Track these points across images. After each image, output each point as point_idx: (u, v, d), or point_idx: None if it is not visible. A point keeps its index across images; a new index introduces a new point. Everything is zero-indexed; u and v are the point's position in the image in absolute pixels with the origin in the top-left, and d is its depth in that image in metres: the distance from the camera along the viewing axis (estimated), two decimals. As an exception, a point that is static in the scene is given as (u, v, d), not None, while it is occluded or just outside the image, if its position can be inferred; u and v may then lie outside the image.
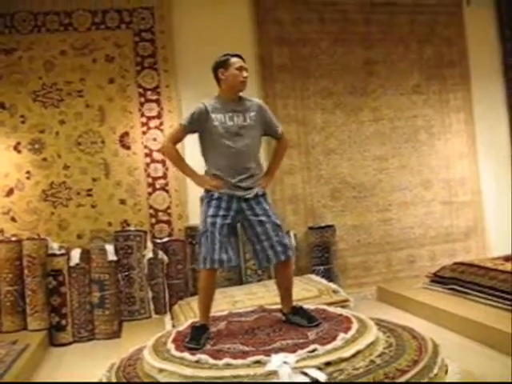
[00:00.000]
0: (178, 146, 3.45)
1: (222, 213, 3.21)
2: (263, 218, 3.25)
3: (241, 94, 3.38)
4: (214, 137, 3.27)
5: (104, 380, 2.98)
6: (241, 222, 3.30)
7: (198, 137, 3.36)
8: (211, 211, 3.22)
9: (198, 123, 3.29)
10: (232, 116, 3.27)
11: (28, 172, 5.11)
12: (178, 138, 3.40)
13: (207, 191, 3.28)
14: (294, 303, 3.41)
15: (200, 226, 3.29)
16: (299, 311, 3.33)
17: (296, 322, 3.27)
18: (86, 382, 3.53)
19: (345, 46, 5.86)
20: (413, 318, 4.45)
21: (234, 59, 3.30)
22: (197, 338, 3.05)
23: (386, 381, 2.51)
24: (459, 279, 4.70)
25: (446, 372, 2.80)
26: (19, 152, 5.11)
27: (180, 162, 3.43)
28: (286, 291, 3.40)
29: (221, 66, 3.32)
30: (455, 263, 5.08)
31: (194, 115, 3.30)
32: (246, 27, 5.58)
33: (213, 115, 3.26)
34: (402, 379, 2.52)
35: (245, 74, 3.30)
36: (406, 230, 5.90)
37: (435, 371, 2.66)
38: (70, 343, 4.74)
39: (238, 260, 3.31)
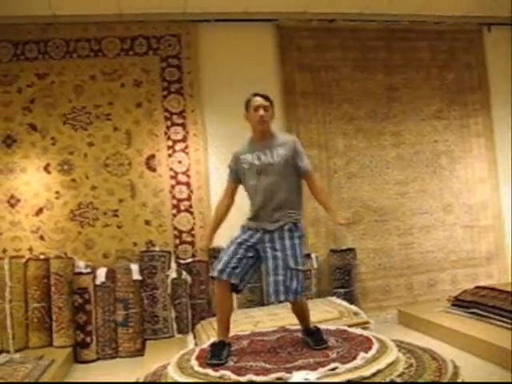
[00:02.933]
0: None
1: (244, 236, 3.32)
2: (278, 254, 3.23)
3: (274, 131, 3.46)
4: (244, 178, 3.42)
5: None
6: (260, 252, 3.31)
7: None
8: (237, 234, 3.37)
9: (235, 171, 3.47)
10: (259, 155, 3.35)
11: (57, 192, 5.26)
12: (227, 190, 3.54)
13: (242, 226, 3.42)
14: (313, 324, 3.47)
15: None
16: (311, 333, 3.38)
17: (305, 342, 3.36)
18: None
19: (366, 71, 5.96)
20: (433, 341, 4.45)
21: (253, 99, 3.38)
22: (217, 353, 3.12)
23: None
24: (480, 303, 4.70)
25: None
26: (49, 173, 5.27)
27: (214, 217, 3.60)
28: (300, 320, 3.48)
29: (245, 108, 3.44)
30: (476, 287, 5.09)
31: (230, 166, 3.50)
32: (270, 53, 5.71)
33: (242, 157, 3.40)
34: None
35: (261, 112, 3.32)
36: (427, 254, 5.92)
37: (455, 392, 2.69)
38: (93, 360, 4.83)
39: (242, 284, 3.27)
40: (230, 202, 3.52)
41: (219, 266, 3.22)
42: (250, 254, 3.29)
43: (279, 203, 3.32)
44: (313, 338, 3.32)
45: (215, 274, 3.23)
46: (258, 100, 3.37)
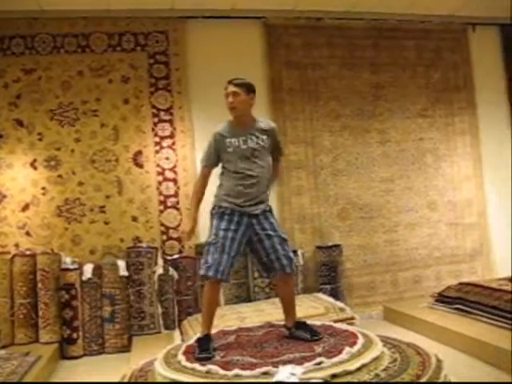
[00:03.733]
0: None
1: (233, 227, 3.32)
2: (271, 232, 3.37)
3: (253, 115, 3.48)
4: (228, 161, 3.40)
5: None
6: (250, 236, 3.38)
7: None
8: (224, 224, 3.32)
9: (215, 153, 3.44)
10: (245, 140, 3.37)
11: (43, 188, 5.25)
12: (205, 173, 3.53)
13: (219, 206, 3.39)
14: (298, 319, 3.50)
15: (209, 237, 3.37)
16: (302, 326, 3.42)
17: (299, 336, 3.35)
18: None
19: (353, 70, 6.01)
20: (418, 336, 4.50)
21: (226, 86, 3.41)
22: (205, 347, 3.14)
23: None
24: (464, 299, 4.77)
25: (449, 387, 2.87)
26: (35, 168, 5.26)
27: (193, 199, 3.57)
28: (288, 305, 3.50)
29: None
30: (460, 283, 5.16)
31: (210, 148, 3.45)
32: (258, 51, 5.74)
33: (227, 140, 3.39)
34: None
35: (230, 99, 3.36)
36: (412, 251, 5.98)
37: (438, 385, 2.74)
38: (80, 356, 4.82)
39: (229, 277, 3.38)
40: (206, 185, 3.53)
41: (216, 266, 3.23)
42: (242, 247, 3.37)
43: (263, 187, 3.41)
44: (307, 331, 3.34)
45: (211, 273, 3.23)
46: (228, 87, 3.39)
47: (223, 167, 3.46)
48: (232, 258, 3.28)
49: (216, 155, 3.45)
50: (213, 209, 3.44)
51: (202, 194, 3.52)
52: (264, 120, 3.57)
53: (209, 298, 3.35)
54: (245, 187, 3.35)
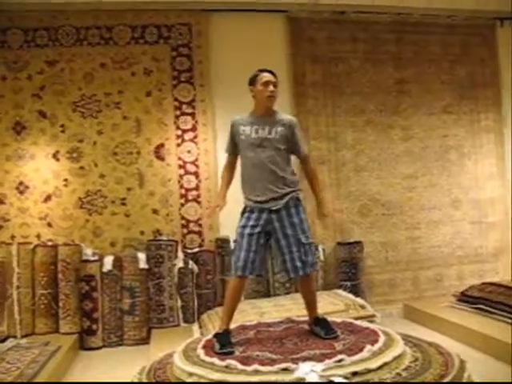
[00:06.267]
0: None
1: (251, 223, 3.33)
2: (289, 232, 3.34)
3: (275, 109, 3.47)
4: (241, 149, 3.42)
5: (135, 381, 3.06)
6: (271, 232, 3.38)
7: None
8: (242, 222, 3.38)
9: (232, 140, 3.49)
10: (257, 129, 3.37)
11: (65, 180, 5.27)
12: (230, 163, 3.59)
13: (244, 207, 3.43)
14: (319, 315, 3.49)
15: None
16: (321, 322, 3.41)
17: (315, 331, 3.38)
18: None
19: (376, 65, 5.93)
20: (439, 335, 4.45)
21: (261, 74, 3.40)
22: (226, 342, 3.13)
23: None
24: (487, 299, 4.70)
25: (473, 388, 2.83)
26: (58, 160, 5.28)
27: (223, 182, 3.57)
28: (309, 303, 3.51)
29: (250, 82, 3.45)
30: (483, 283, 5.08)
31: (229, 136, 3.51)
32: (281, 44, 5.70)
33: (241, 128, 3.40)
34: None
35: (271, 88, 3.36)
36: (434, 249, 5.90)
37: (461, 386, 2.69)
38: (99, 348, 4.85)
39: (262, 270, 3.40)
40: (233, 171, 3.59)
41: (239, 263, 3.27)
42: (262, 242, 3.36)
43: (276, 178, 3.36)
44: (323, 328, 3.34)
45: (238, 272, 3.27)
46: (268, 76, 3.39)
47: (241, 157, 3.49)
48: (253, 253, 3.27)
49: (233, 143, 3.49)
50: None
51: (230, 178, 3.56)
52: (286, 115, 3.56)
53: (230, 295, 3.37)
54: (255, 176, 3.34)
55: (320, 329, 3.35)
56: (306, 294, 3.51)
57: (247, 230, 3.32)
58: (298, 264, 3.32)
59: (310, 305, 3.50)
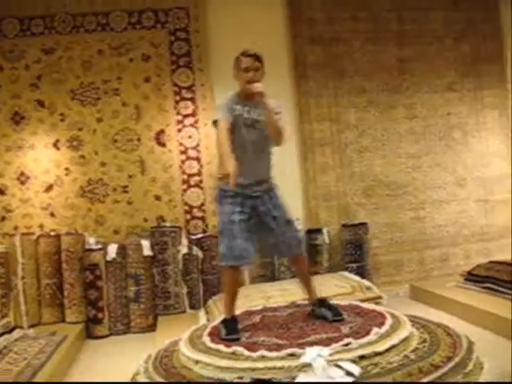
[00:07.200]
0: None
1: (238, 209, 3.20)
2: (276, 214, 3.28)
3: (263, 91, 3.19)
4: (235, 126, 3.23)
5: (142, 370, 3.04)
6: (256, 218, 3.28)
7: None
8: (228, 209, 3.22)
9: (230, 111, 3.22)
10: (249, 110, 3.24)
11: (66, 169, 5.25)
12: (227, 129, 3.21)
13: (222, 190, 3.26)
14: (322, 297, 3.42)
15: (219, 224, 3.30)
16: (326, 304, 3.33)
17: (320, 314, 3.27)
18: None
19: (378, 44, 5.84)
20: (446, 316, 4.42)
21: (242, 59, 3.22)
22: (232, 329, 3.10)
23: (420, 376, 2.52)
24: (495, 278, 4.64)
25: (481, 369, 2.79)
26: (58, 149, 5.25)
27: (223, 147, 3.17)
28: (306, 285, 3.45)
29: (234, 65, 3.28)
30: (490, 262, 5.03)
31: (226, 106, 3.24)
32: (280, 26, 5.62)
33: (234, 105, 3.23)
34: (437, 374, 2.52)
35: (250, 74, 3.17)
36: (440, 229, 5.86)
37: (470, 367, 2.65)
38: (106, 336, 4.85)
39: (257, 257, 3.31)
40: (230, 135, 3.20)
41: (235, 252, 3.14)
42: (253, 227, 3.25)
43: (263, 162, 3.31)
44: (329, 309, 3.25)
45: (233, 262, 3.16)
46: (247, 61, 3.20)
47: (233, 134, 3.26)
48: (247, 241, 3.18)
49: (230, 113, 3.22)
50: (216, 195, 3.34)
51: (231, 144, 3.19)
52: (273, 100, 3.28)
53: (228, 286, 3.29)
54: (243, 157, 3.15)
55: (326, 310, 3.26)
56: (304, 274, 3.45)
57: (236, 217, 3.18)
58: (293, 242, 3.30)
59: (307, 286, 3.43)
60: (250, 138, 3.25)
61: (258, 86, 3.12)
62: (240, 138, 3.24)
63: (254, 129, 3.26)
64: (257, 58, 3.23)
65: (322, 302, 3.35)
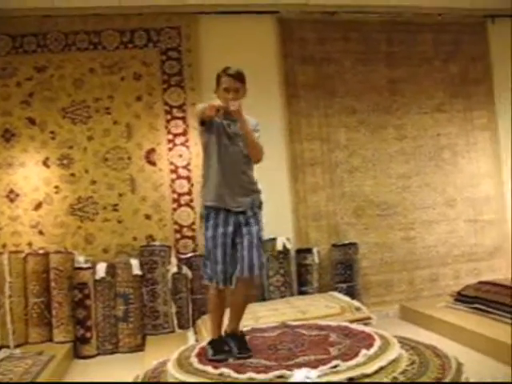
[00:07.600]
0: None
1: (221, 230, 3.14)
2: (248, 230, 3.16)
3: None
4: (210, 142, 3.19)
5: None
6: (237, 233, 3.18)
7: (204, 138, 3.26)
8: (211, 232, 3.17)
9: (208, 128, 3.19)
10: (229, 123, 3.20)
11: (56, 187, 5.22)
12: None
13: (205, 207, 3.21)
14: (238, 331, 3.27)
15: (204, 245, 3.24)
16: (238, 337, 3.21)
17: (227, 343, 3.17)
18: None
19: (368, 64, 5.90)
20: (435, 336, 4.42)
21: (223, 78, 3.20)
22: (219, 349, 3.08)
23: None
24: (483, 298, 4.66)
25: (470, 391, 2.79)
26: (48, 167, 5.23)
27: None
28: (235, 312, 3.27)
29: (216, 81, 3.25)
30: (480, 282, 5.04)
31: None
32: (271, 46, 5.66)
33: (216, 118, 3.15)
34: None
35: (230, 96, 3.13)
36: (430, 249, 5.88)
37: (458, 390, 2.65)
38: (93, 356, 4.80)
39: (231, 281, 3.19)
40: None
41: (218, 277, 3.11)
42: (234, 247, 3.17)
43: (245, 177, 3.21)
44: (238, 343, 3.15)
45: (219, 285, 3.12)
46: (228, 81, 3.18)
47: (206, 153, 3.25)
48: (228, 264, 3.12)
49: (208, 129, 3.20)
50: (201, 213, 3.30)
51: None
52: (251, 118, 3.28)
53: (213, 305, 3.27)
54: (225, 172, 3.14)
55: (234, 344, 3.14)
56: (237, 300, 3.26)
57: (219, 240, 3.14)
58: (245, 265, 3.10)
59: (238, 315, 3.26)
60: (232, 151, 3.19)
61: (233, 104, 3.07)
62: (219, 151, 3.17)
63: (234, 141, 3.20)
64: (238, 78, 3.21)
65: (235, 336, 3.23)
